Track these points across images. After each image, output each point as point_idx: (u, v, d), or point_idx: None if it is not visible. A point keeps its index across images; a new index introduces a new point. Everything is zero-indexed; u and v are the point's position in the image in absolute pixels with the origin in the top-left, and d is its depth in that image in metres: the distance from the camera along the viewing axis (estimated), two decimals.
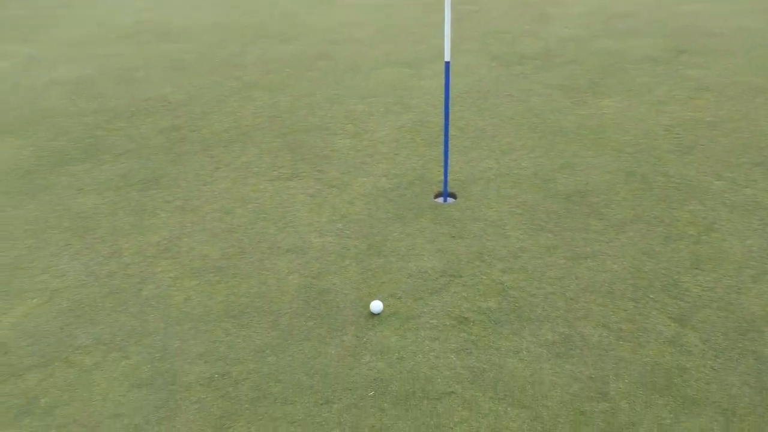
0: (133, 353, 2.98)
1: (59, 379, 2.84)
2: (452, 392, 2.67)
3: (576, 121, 5.17)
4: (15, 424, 2.62)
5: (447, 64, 3.82)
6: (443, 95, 4.46)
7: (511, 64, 6.61)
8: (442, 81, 4.36)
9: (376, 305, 3.13)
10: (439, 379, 2.74)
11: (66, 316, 3.24)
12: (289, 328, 3.10)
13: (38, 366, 2.93)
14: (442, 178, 4.19)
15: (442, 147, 4.71)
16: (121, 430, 2.56)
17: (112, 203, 4.30)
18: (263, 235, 3.87)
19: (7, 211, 4.23)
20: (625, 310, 3.06)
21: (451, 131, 4.98)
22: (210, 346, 3.01)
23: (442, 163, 4.25)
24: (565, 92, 5.78)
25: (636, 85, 5.84)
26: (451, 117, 5.03)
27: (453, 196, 4.21)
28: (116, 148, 5.08)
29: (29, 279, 3.54)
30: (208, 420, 2.60)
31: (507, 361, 2.81)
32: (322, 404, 2.65)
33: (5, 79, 6.81)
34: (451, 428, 2.49)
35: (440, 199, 4.18)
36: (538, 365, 2.77)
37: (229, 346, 3.00)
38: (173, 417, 2.62)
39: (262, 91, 6.19)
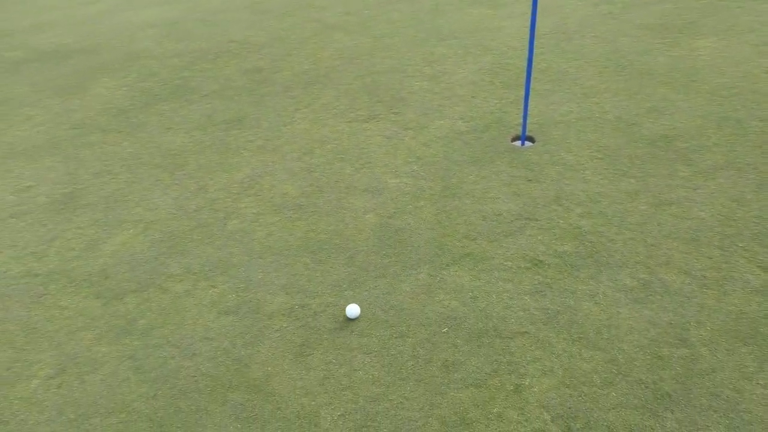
0: (219, 282, 3.17)
1: (154, 304, 3.07)
2: (525, 332, 2.69)
3: (667, 63, 4.90)
4: (117, 341, 2.87)
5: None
6: (526, 36, 4.30)
7: (599, 3, 6.28)
8: (525, 22, 4.21)
9: (352, 309, 2.89)
10: (512, 319, 2.77)
11: (159, 247, 3.46)
12: (365, 265, 3.19)
13: (136, 291, 3.16)
14: (521, 121, 4.11)
15: (521, 90, 4.60)
16: (210, 352, 2.76)
17: (198, 142, 4.48)
18: (340, 175, 3.95)
19: (104, 147, 4.50)
20: (710, 258, 2.96)
21: (533, 74, 4.84)
22: (290, 278, 3.15)
23: (521, 106, 4.15)
24: (657, 33, 5.45)
25: (737, 25, 5.44)
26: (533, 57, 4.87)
27: (531, 139, 4.13)
28: (202, 89, 5.26)
29: (126, 211, 3.79)
30: (289, 347, 2.75)
31: (582, 304, 2.80)
32: (396, 338, 2.75)
33: (98, 22, 7.12)
34: (524, 366, 2.53)
35: (518, 143, 4.11)
36: (615, 309, 2.74)
37: (308, 279, 3.13)
38: (257, 343, 2.79)
39: (341, 33, 6.19)
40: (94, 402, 2.56)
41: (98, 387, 2.63)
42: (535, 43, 5.36)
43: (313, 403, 2.48)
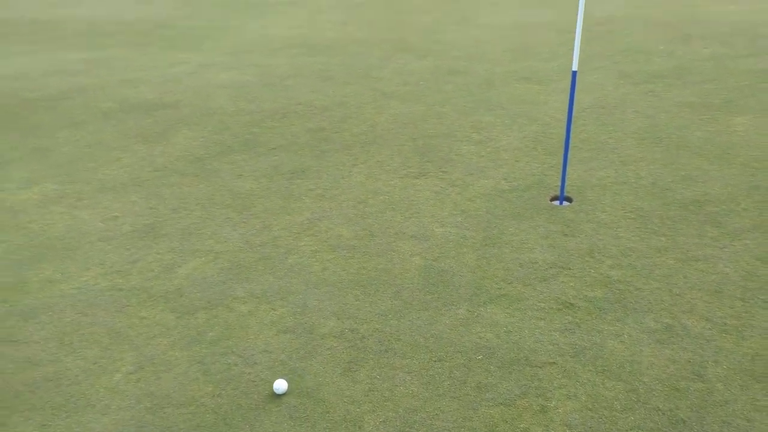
0: (279, 306, 3.54)
1: (221, 320, 3.45)
2: (553, 363, 2.95)
3: (703, 137, 5.20)
4: (188, 348, 3.24)
5: (574, 73, 4.11)
6: (568, 107, 4.70)
7: (640, 83, 6.69)
8: (568, 97, 4.59)
9: (279, 385, 2.92)
10: (541, 351, 3.03)
11: (226, 273, 3.88)
12: (410, 299, 3.52)
13: (205, 308, 3.56)
14: (560, 182, 4.45)
15: (561, 156, 4.96)
16: (269, 362, 3.10)
17: (265, 188, 4.98)
18: (391, 223, 4.34)
19: (182, 188, 5.04)
20: (732, 308, 3.18)
21: (573, 142, 5.21)
22: (342, 307, 3.50)
23: (561, 169, 4.51)
24: (695, 110, 5.79)
25: None
26: (574, 129, 5.28)
27: (569, 199, 4.45)
28: (270, 143, 5.81)
29: (199, 241, 4.25)
30: (339, 363, 3.07)
31: (608, 342, 3.04)
32: (435, 361, 3.04)
33: (180, 81, 7.90)
34: (551, 391, 2.78)
35: (556, 202, 4.44)
36: (638, 348, 2.98)
37: (357, 308, 3.48)
38: (310, 357, 3.13)
39: (397, 100, 6.74)
40: (168, 395, 2.92)
41: (171, 383, 3.00)
42: (577, 115, 5.77)
43: (357, 410, 2.78)
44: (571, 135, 5.26)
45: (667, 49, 7.86)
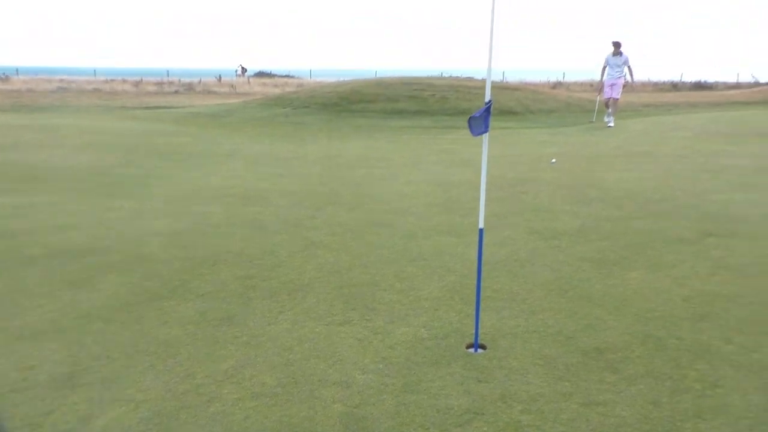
0: None
1: None
2: None
3: (602, 289, 5.74)
4: None
5: (481, 230, 4.59)
6: (484, 261, 5.14)
7: (548, 238, 7.36)
8: (485, 249, 5.07)
9: None
10: None
11: (146, 423, 3.84)
12: None
13: None
14: (474, 331, 4.77)
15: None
16: None
17: (191, 335, 5.04)
18: (314, 370, 4.47)
19: (106, 335, 5.03)
20: None
21: (487, 293, 5.62)
22: None
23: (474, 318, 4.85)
24: (595, 264, 6.40)
25: (662, 262, 6.42)
26: (488, 281, 5.71)
27: (483, 347, 4.74)
28: (199, 290, 5.94)
29: (120, 390, 4.21)
30: None
31: None
32: None
33: (113, 228, 8.03)
34: None
35: (471, 350, 4.72)
36: None
37: None
38: None
39: (325, 250, 7.09)
40: None
41: None
42: (491, 267, 6.26)
43: None
44: (486, 286, 5.68)
45: (572, 210, 8.73)
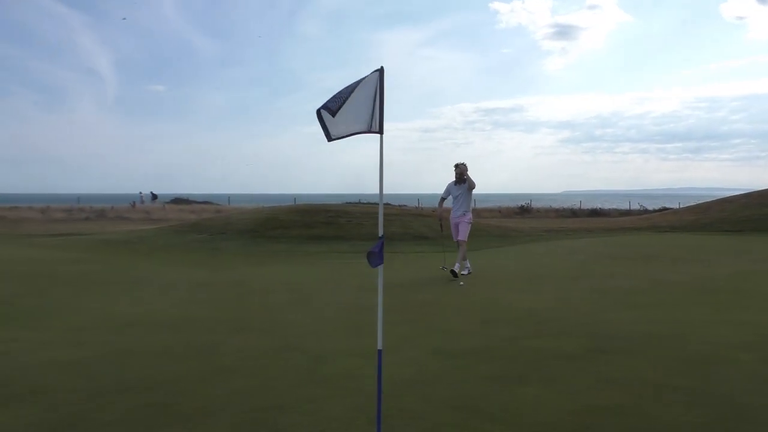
0: None
1: None
2: None
3: (499, 405, 6.09)
4: None
5: (379, 351, 4.92)
6: (377, 384, 5.44)
7: (452, 358, 7.74)
8: (387, 370, 5.38)
9: None
10: None
11: None
12: None
13: None
14: None
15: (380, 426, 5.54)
16: None
17: None
18: None
19: None
20: None
21: (391, 412, 5.83)
22: None
23: None
24: (494, 381, 6.79)
25: (554, 377, 6.91)
26: (393, 401, 5.96)
27: None
28: (102, 420, 5.81)
29: None
30: None
31: None
32: None
33: (13, 359, 7.74)
34: None
35: None
36: None
37: None
38: None
39: (235, 375, 7.14)
40: None
41: None
42: (396, 387, 6.50)
43: None
44: (391, 405, 5.89)
45: (475, 330, 9.23)
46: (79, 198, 79.12)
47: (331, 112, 4.47)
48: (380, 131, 4.46)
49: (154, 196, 72.89)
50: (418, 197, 66.19)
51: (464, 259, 14.70)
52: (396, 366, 7.20)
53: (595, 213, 53.81)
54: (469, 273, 14.73)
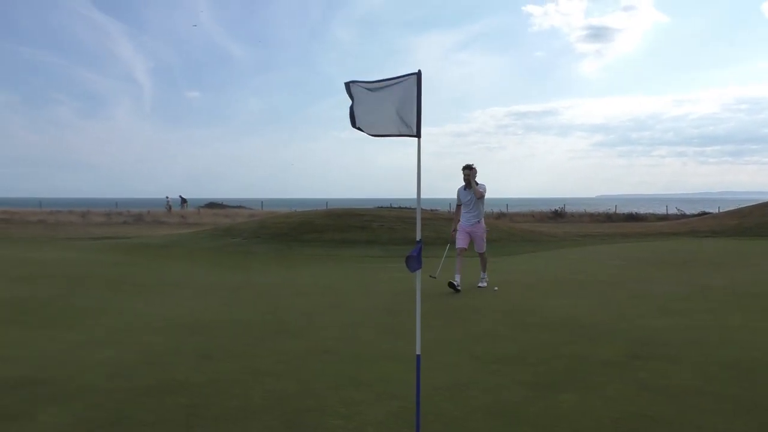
0: None
1: None
2: None
3: (536, 411, 6.01)
4: None
5: (418, 356, 4.90)
6: (416, 388, 5.42)
7: (488, 363, 7.67)
8: (423, 375, 5.37)
9: None
10: None
11: None
12: None
13: None
14: None
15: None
16: None
17: None
18: None
19: None
20: None
21: (429, 418, 5.79)
22: None
23: None
24: (531, 387, 6.70)
25: (592, 384, 6.79)
26: (429, 406, 5.92)
27: None
28: (143, 420, 5.91)
29: None
30: None
31: None
32: None
33: (54, 359, 7.93)
34: None
35: None
36: None
37: None
38: None
39: (270, 377, 7.19)
40: None
41: None
42: (432, 393, 6.47)
43: None
44: (428, 411, 5.86)
45: (511, 335, 9.14)
46: (117, 203, 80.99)
47: (360, 91, 4.48)
48: (418, 135, 4.46)
49: (183, 200, 71.66)
50: (450, 202, 65.96)
51: (485, 270, 13.81)
52: (432, 371, 7.16)
53: (632, 218, 52.79)
54: (486, 285, 13.59)
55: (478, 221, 13.16)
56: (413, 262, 4.67)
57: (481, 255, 13.59)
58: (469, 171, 12.69)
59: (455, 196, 13.46)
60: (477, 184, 12.86)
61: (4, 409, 6.15)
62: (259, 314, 11.03)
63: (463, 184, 13.07)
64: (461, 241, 13.17)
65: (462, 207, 13.20)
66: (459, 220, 13.33)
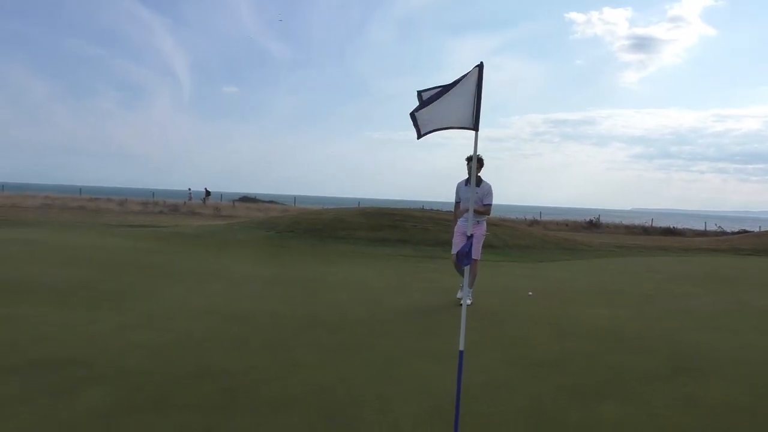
0: None
1: None
2: None
3: (577, 419, 5.87)
4: None
5: (461, 352, 4.82)
6: (456, 383, 5.34)
7: (525, 367, 7.54)
8: (463, 374, 5.31)
9: None
10: None
11: None
12: None
13: None
14: None
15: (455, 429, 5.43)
16: None
17: None
18: None
19: None
20: None
21: (465, 418, 5.71)
22: None
23: None
24: (571, 394, 6.56)
25: (635, 395, 6.61)
26: (465, 406, 5.84)
27: None
28: (180, 403, 5.96)
29: None
30: None
31: None
32: None
33: (95, 340, 8.06)
34: None
35: None
36: None
37: None
38: None
39: (307, 368, 7.19)
40: None
41: None
42: (469, 392, 6.38)
43: None
44: (464, 411, 5.78)
45: (548, 342, 8.98)
46: (153, 192, 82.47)
47: (423, 107, 4.44)
48: (476, 128, 4.40)
49: (208, 193, 69.08)
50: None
51: (470, 285, 11.08)
52: (467, 372, 7.03)
53: (669, 232, 51.73)
54: (471, 303, 10.88)
55: (478, 221, 10.92)
56: (465, 258, 4.61)
57: (473, 264, 10.44)
58: (475, 163, 11.29)
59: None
60: (482, 181, 10.68)
61: (48, 386, 6.26)
62: (294, 307, 11.06)
63: (465, 178, 10.89)
64: (457, 247, 10.91)
65: (461, 205, 10.98)
66: (457, 221, 11.22)
